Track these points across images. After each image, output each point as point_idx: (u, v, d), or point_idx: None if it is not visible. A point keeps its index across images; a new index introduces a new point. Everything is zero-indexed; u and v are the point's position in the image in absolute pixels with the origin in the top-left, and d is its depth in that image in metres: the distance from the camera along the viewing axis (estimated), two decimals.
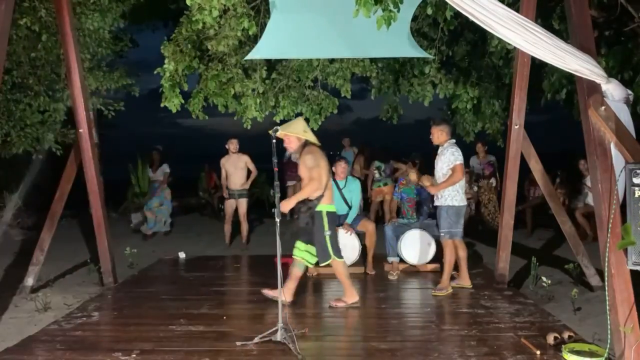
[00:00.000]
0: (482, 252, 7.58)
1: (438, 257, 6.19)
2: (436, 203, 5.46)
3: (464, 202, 5.44)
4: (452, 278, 5.58)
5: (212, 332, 4.29)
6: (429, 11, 6.04)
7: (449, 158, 5.32)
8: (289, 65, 7.60)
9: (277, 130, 4.30)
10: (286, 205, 4.69)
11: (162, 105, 6.33)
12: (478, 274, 6.05)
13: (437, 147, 5.51)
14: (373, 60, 7.56)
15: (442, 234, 5.40)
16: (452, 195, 5.32)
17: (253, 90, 7.12)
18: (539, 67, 6.54)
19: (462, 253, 5.49)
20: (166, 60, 6.23)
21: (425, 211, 6.38)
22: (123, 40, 9.30)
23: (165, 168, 9.43)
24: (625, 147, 3.48)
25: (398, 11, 3.97)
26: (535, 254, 6.43)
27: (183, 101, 6.48)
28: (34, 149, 8.35)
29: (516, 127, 5.51)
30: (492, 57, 7.43)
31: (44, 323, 4.67)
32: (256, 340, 3.95)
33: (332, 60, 7.54)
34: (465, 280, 5.57)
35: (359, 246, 6.24)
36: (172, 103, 6.32)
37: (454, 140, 5.50)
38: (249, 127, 7.25)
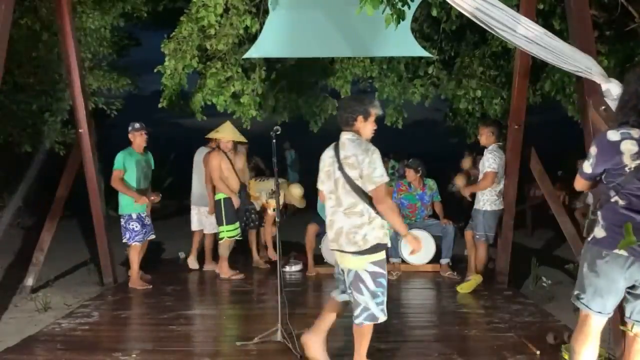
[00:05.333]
0: None
1: (437, 257, 6.20)
2: (475, 206, 5.52)
3: (501, 207, 5.48)
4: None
5: (212, 332, 4.29)
6: (434, 13, 5.97)
7: (483, 163, 5.36)
8: (288, 66, 7.58)
9: (277, 130, 4.30)
10: None
11: (160, 106, 6.27)
12: None
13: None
14: (374, 61, 7.53)
15: (477, 237, 5.48)
16: (490, 200, 5.39)
17: (253, 90, 7.10)
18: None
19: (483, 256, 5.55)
20: (166, 58, 6.18)
21: (423, 212, 6.33)
22: (125, 39, 9.28)
23: None
24: None
25: (409, 8, 3.92)
26: (536, 254, 6.43)
27: (182, 101, 6.45)
28: (36, 148, 8.33)
29: (516, 127, 5.50)
30: (493, 57, 7.42)
31: (44, 323, 4.67)
32: (256, 340, 3.94)
33: (332, 61, 7.50)
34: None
35: None
36: (174, 103, 6.27)
37: (500, 144, 5.51)
38: (248, 127, 7.21)
